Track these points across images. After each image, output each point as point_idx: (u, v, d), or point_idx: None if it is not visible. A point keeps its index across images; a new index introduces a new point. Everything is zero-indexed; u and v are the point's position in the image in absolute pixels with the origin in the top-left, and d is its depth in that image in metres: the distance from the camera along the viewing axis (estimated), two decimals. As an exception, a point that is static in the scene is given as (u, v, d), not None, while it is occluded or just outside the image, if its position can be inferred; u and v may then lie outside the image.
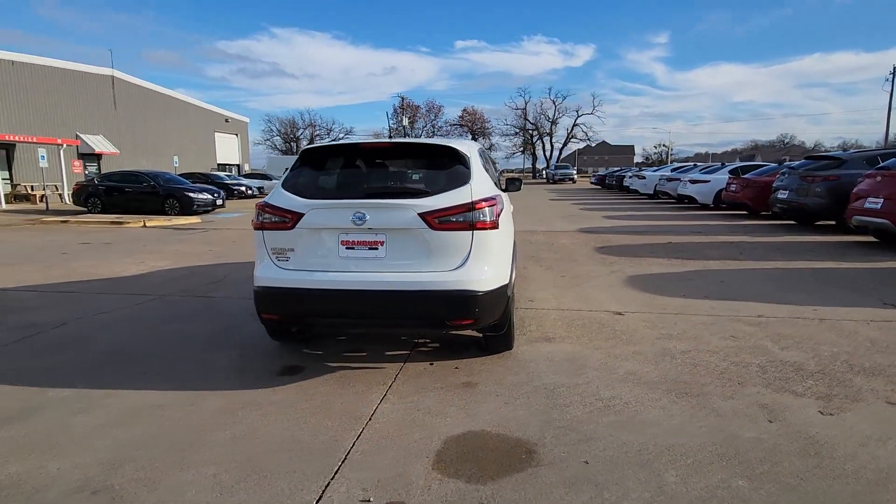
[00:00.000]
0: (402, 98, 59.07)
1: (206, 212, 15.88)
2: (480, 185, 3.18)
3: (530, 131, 62.80)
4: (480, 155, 3.74)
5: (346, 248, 3.00)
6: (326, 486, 2.07)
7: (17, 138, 19.92)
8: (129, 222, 13.14)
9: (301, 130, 62.11)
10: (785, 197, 10.58)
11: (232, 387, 3.08)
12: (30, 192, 20.27)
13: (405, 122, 58.53)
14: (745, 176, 13.53)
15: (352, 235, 3.00)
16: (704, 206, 15.63)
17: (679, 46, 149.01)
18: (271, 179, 26.33)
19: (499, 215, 3.14)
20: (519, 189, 5.63)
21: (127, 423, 2.65)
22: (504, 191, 5.47)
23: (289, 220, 3.03)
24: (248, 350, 3.73)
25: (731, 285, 5.58)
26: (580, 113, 61.16)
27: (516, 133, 63.22)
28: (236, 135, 36.73)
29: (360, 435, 2.49)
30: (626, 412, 2.71)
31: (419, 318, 3.00)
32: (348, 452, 2.33)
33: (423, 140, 3.56)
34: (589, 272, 6.43)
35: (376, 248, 2.99)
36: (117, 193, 15.62)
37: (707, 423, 2.57)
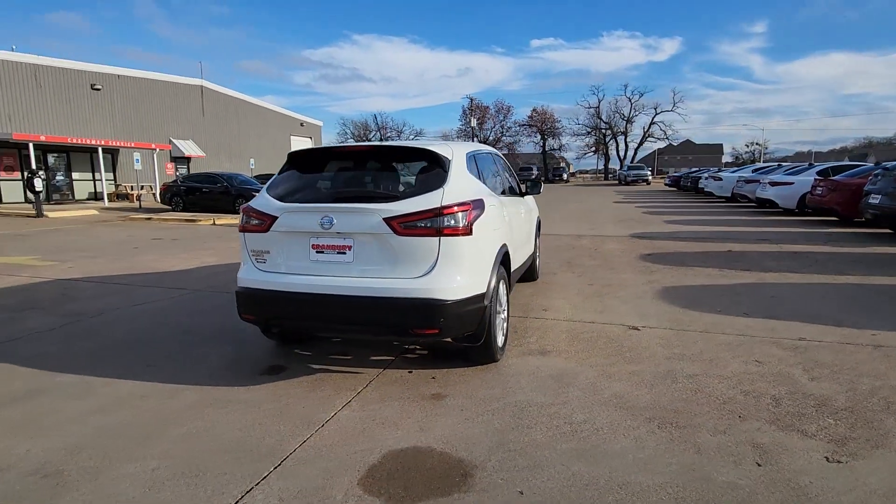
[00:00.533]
0: (472, 99, 59.15)
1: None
2: (457, 189, 3.05)
3: (603, 130, 60.31)
4: (472, 159, 3.60)
5: (317, 252, 3.01)
6: (246, 493, 2.07)
7: (119, 144, 22.36)
8: (201, 220, 14.26)
9: (373, 133, 64.10)
10: (877, 202, 9.28)
11: (213, 382, 3.20)
12: (129, 191, 22.65)
13: (473, 123, 58.59)
14: (835, 178, 12.04)
15: (321, 239, 3.00)
16: (788, 212, 14.11)
17: (780, 35, 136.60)
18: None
19: (473, 221, 2.99)
20: (539, 192, 5.40)
21: (108, 411, 2.83)
22: (524, 194, 5.28)
23: (265, 222, 3.10)
24: (244, 346, 3.87)
25: (783, 302, 4.97)
26: (658, 110, 57.79)
27: (588, 132, 60.99)
28: (310, 138, 38.69)
29: (304, 441, 2.48)
30: (592, 439, 2.47)
31: (383, 325, 2.93)
32: (284, 459, 2.32)
33: (401, 143, 3.50)
34: (623, 281, 6.02)
35: (344, 253, 2.97)
36: (196, 193, 17.03)
37: (680, 461, 2.27)
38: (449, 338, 3.06)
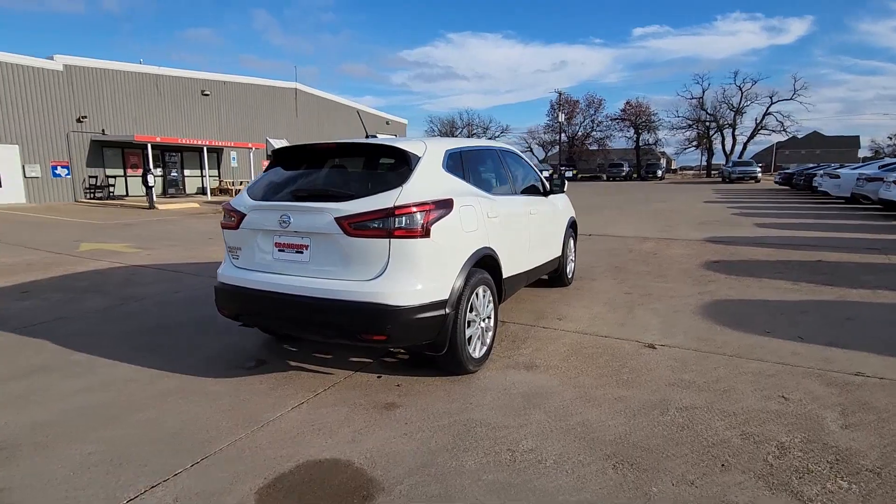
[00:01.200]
0: (560, 94, 57.28)
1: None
2: (420, 188, 2.87)
3: (707, 123, 55.12)
4: (454, 156, 3.38)
5: (279, 251, 3.00)
6: (149, 489, 2.10)
7: (222, 143, 24.73)
8: None
9: (459, 130, 64.61)
10: None
11: (195, 372, 3.33)
12: (229, 186, 24.98)
13: (561, 118, 56.70)
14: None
15: (283, 238, 2.98)
16: (918, 215, 11.87)
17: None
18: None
19: (432, 222, 2.79)
20: (562, 190, 5.00)
21: (93, 391, 3.06)
22: (546, 194, 4.91)
23: (235, 219, 3.15)
24: (240, 338, 3.99)
25: (860, 326, 4.13)
26: (775, 99, 51.56)
27: (689, 126, 56.11)
28: (395, 136, 39.96)
29: (236, 441, 2.47)
30: (527, 473, 2.19)
31: (333, 328, 2.84)
32: (206, 457, 2.33)
33: (368, 140, 3.36)
34: (668, 291, 5.40)
35: (301, 252, 2.92)
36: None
37: (617, 511, 1.92)
38: (402, 346, 2.90)
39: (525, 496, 2.02)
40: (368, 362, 3.47)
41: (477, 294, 3.22)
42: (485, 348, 3.36)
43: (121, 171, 22.04)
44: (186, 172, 24.86)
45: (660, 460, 2.26)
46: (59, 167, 19.69)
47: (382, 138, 3.49)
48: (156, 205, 17.30)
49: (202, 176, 25.32)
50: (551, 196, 5.05)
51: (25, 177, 18.80)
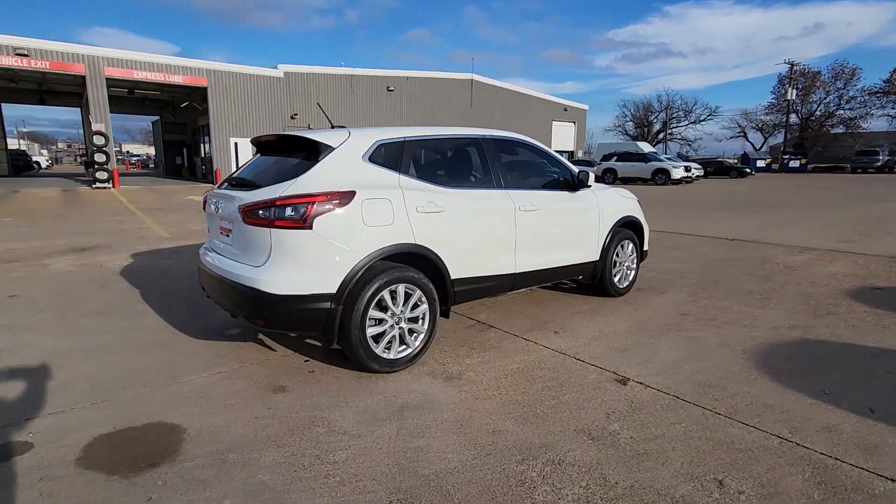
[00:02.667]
0: (792, 65, 46.88)
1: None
2: (321, 180, 2.86)
3: None
4: (387, 146, 3.20)
5: (222, 234, 3.32)
6: (54, 414, 2.62)
7: (401, 134, 27.38)
8: None
9: (655, 114, 58.55)
10: None
11: (184, 329, 3.92)
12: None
13: (791, 95, 46.44)
14: None
15: (221, 222, 3.28)
16: None
17: None
18: (594, 166, 26.39)
19: (315, 214, 2.75)
20: (587, 185, 4.31)
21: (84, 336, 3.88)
22: (575, 188, 4.27)
23: (203, 204, 3.58)
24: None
25: None
26: None
27: None
28: (574, 122, 38.32)
29: (140, 391, 2.87)
30: (300, 483, 2.06)
31: (238, 309, 3.02)
32: (104, 400, 2.78)
33: (294, 133, 3.33)
34: (744, 317, 4.19)
35: (227, 236, 3.18)
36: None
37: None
38: (285, 332, 2.93)
39: (264, 505, 1.92)
40: (317, 347, 3.60)
41: (395, 293, 3.05)
42: (408, 350, 3.16)
43: (320, 159, 26.24)
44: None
45: (443, 512, 1.88)
46: (276, 156, 24.46)
47: (308, 131, 3.46)
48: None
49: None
50: (584, 191, 4.37)
51: (253, 163, 23.89)
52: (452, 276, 3.34)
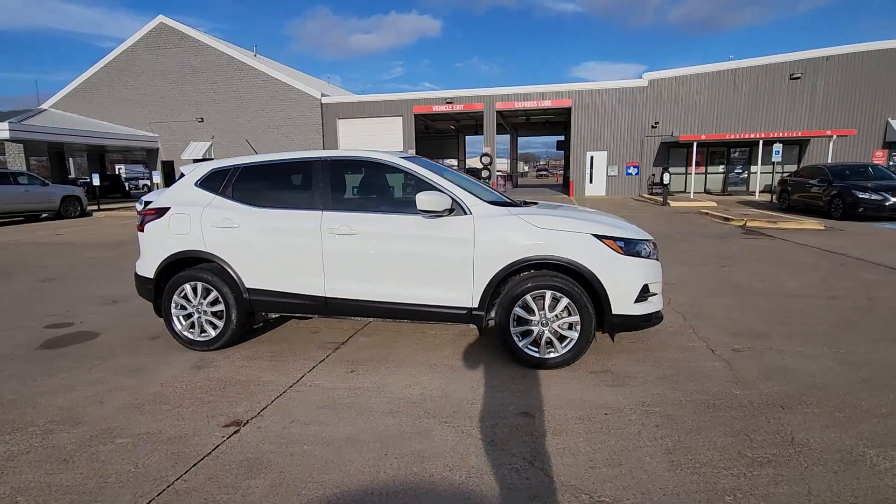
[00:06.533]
0: None
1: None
2: (168, 197, 4.09)
3: None
4: (216, 174, 4.00)
5: None
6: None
7: (799, 134, 20.97)
8: (735, 221, 12.41)
9: None
10: None
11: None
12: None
13: None
14: None
15: None
16: None
17: None
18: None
19: (147, 221, 4.05)
20: (465, 211, 3.29)
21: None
22: (438, 215, 3.53)
23: None
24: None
25: None
26: None
27: None
28: None
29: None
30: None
31: None
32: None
33: (185, 167, 4.34)
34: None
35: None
36: (800, 191, 14.25)
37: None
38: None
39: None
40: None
41: (196, 288, 3.96)
42: (208, 338, 4.07)
43: (682, 170, 23.67)
44: (752, 169, 23.12)
45: None
46: (630, 167, 23.87)
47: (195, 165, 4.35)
48: (668, 201, 18.06)
49: (772, 172, 22.77)
50: (455, 218, 3.44)
51: (608, 175, 24.22)
52: (248, 285, 3.84)
